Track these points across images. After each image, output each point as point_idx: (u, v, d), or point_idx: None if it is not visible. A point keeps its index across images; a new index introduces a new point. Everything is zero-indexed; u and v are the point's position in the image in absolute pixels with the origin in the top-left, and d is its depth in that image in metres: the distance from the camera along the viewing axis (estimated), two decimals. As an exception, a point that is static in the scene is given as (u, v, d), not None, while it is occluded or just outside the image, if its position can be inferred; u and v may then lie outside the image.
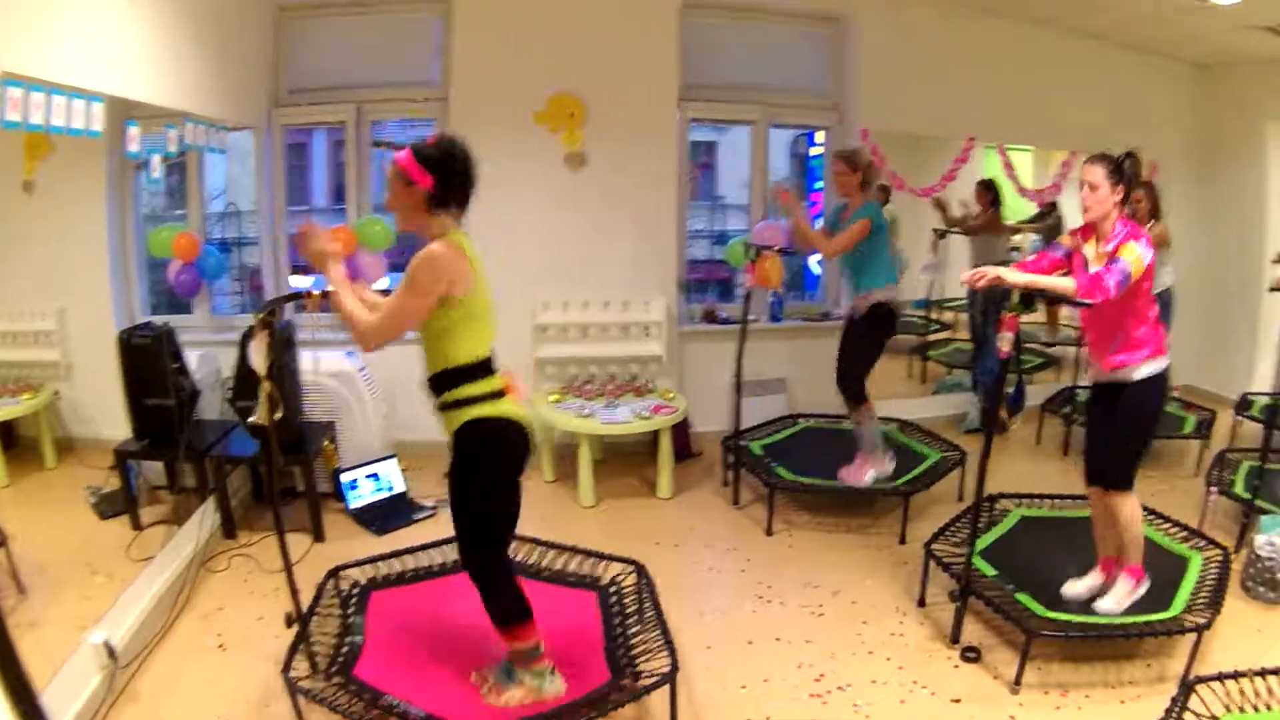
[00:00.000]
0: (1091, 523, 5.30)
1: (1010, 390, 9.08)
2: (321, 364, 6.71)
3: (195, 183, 7.05)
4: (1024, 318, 4.73)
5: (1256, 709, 4.13)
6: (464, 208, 3.79)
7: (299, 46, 7.62)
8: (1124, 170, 4.70)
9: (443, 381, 3.82)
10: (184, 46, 5.80)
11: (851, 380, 6.65)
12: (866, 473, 6.72)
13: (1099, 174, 4.63)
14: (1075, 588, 5.18)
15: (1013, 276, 4.60)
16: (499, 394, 3.86)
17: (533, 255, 7.58)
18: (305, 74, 7.65)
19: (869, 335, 6.62)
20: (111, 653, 4.34)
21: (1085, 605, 5.02)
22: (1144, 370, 4.78)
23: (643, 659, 4.30)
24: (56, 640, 4.23)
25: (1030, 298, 4.68)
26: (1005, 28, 8.89)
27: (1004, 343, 4.73)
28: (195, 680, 4.57)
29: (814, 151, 10.13)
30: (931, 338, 9.98)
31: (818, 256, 8.90)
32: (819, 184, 9.52)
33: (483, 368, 3.84)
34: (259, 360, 3.91)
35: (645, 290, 7.92)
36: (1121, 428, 4.93)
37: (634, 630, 4.59)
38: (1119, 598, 5.02)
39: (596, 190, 7.73)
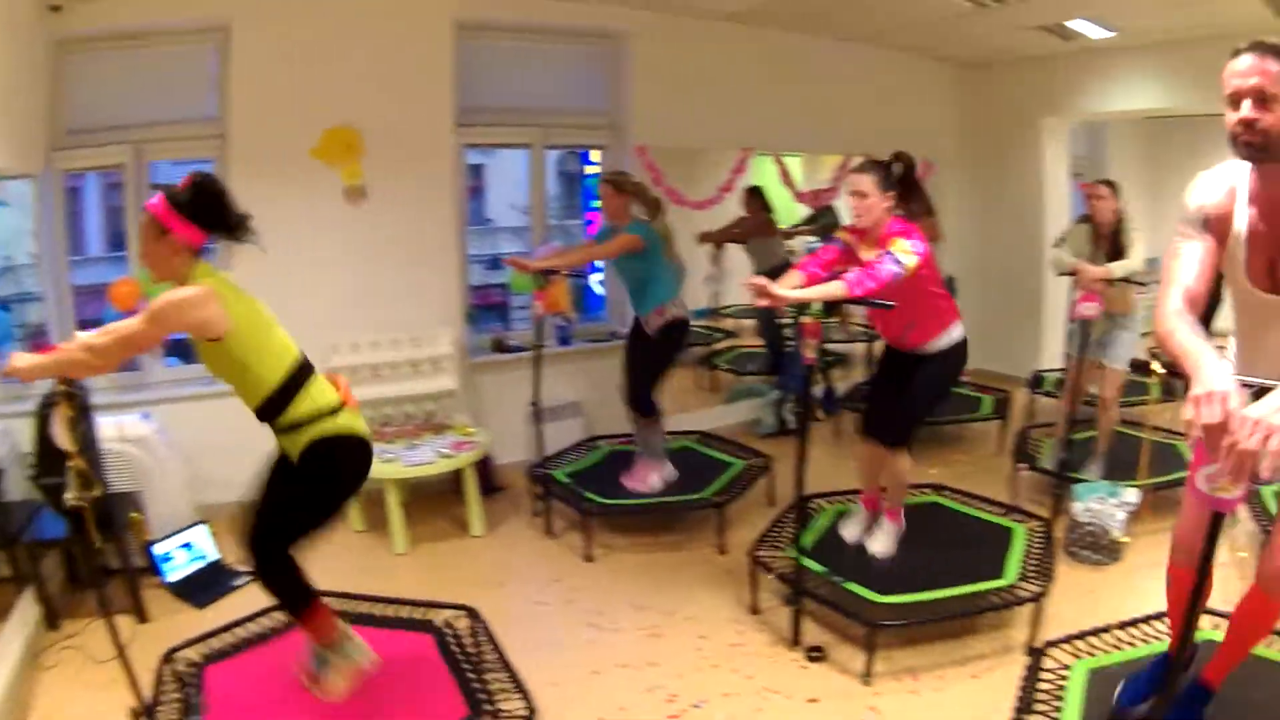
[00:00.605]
0: (859, 464, 5.78)
1: (820, 394, 9.40)
2: (116, 429, 6.35)
3: None
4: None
5: (1108, 653, 4.47)
6: (233, 244, 3.79)
7: (76, 85, 7.12)
8: (892, 175, 4.92)
9: (270, 408, 3.76)
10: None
11: (644, 396, 6.79)
12: (651, 477, 6.89)
13: (867, 182, 4.86)
14: (849, 529, 5.70)
15: (786, 295, 4.71)
16: (337, 408, 3.84)
17: (319, 297, 7.31)
18: (83, 114, 7.16)
19: (660, 350, 6.78)
20: None
21: (908, 576, 5.28)
22: (942, 341, 5.11)
23: (498, 699, 4.28)
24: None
25: (832, 304, 4.86)
26: (779, 38, 9.14)
27: (808, 349, 4.91)
28: None
29: (589, 170, 10.26)
30: (718, 346, 10.22)
31: (599, 277, 9.10)
32: (595, 203, 9.66)
33: (298, 381, 3.79)
34: (64, 437, 3.74)
35: (432, 324, 7.80)
36: (916, 390, 5.26)
37: (481, 673, 4.53)
38: (886, 541, 5.61)
39: (378, 224, 7.57)
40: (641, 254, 6.54)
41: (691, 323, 7.07)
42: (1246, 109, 2.79)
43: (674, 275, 6.94)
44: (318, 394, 3.85)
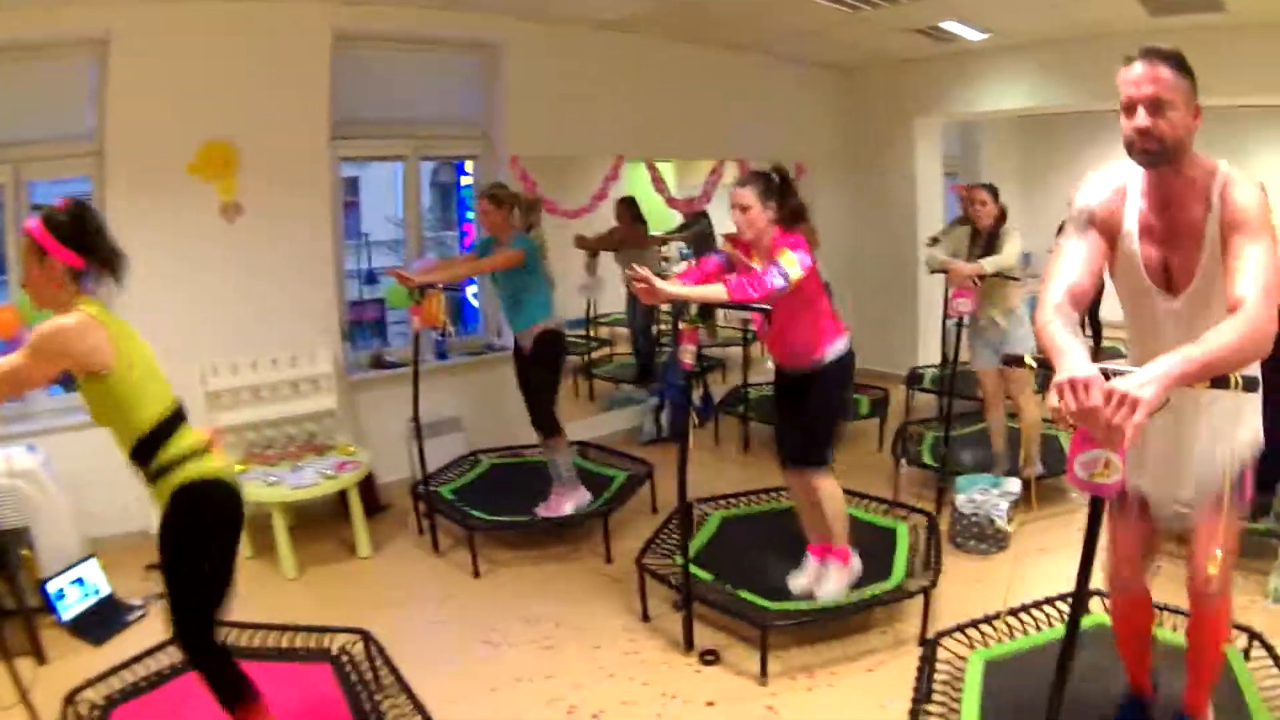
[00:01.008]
0: (795, 511, 5.71)
1: (698, 399, 9.41)
2: (5, 462, 6.19)
3: None
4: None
5: (1001, 642, 4.65)
6: (107, 277, 3.67)
7: None
8: (773, 185, 5.04)
9: (142, 452, 3.68)
10: None
11: (544, 415, 6.82)
12: (565, 505, 6.92)
13: (749, 195, 4.92)
14: (798, 581, 5.56)
15: (668, 290, 4.79)
16: (202, 451, 3.77)
17: (197, 317, 7.21)
18: None
19: (544, 365, 6.84)
20: None
21: (782, 574, 5.47)
22: (829, 354, 5.16)
23: None
24: None
25: (708, 309, 4.97)
26: (654, 46, 9.25)
27: (686, 355, 5.00)
28: None
29: (464, 181, 10.30)
30: (594, 355, 10.36)
31: (473, 289, 9.17)
32: (470, 214, 9.67)
33: (173, 424, 3.73)
34: None
35: (311, 341, 7.74)
36: (813, 409, 5.30)
37: (380, 698, 4.56)
38: (835, 583, 5.45)
39: (254, 241, 7.46)
40: (522, 268, 6.58)
41: (565, 333, 7.16)
42: (1142, 117, 2.90)
43: (549, 286, 7.03)
44: (187, 437, 3.77)
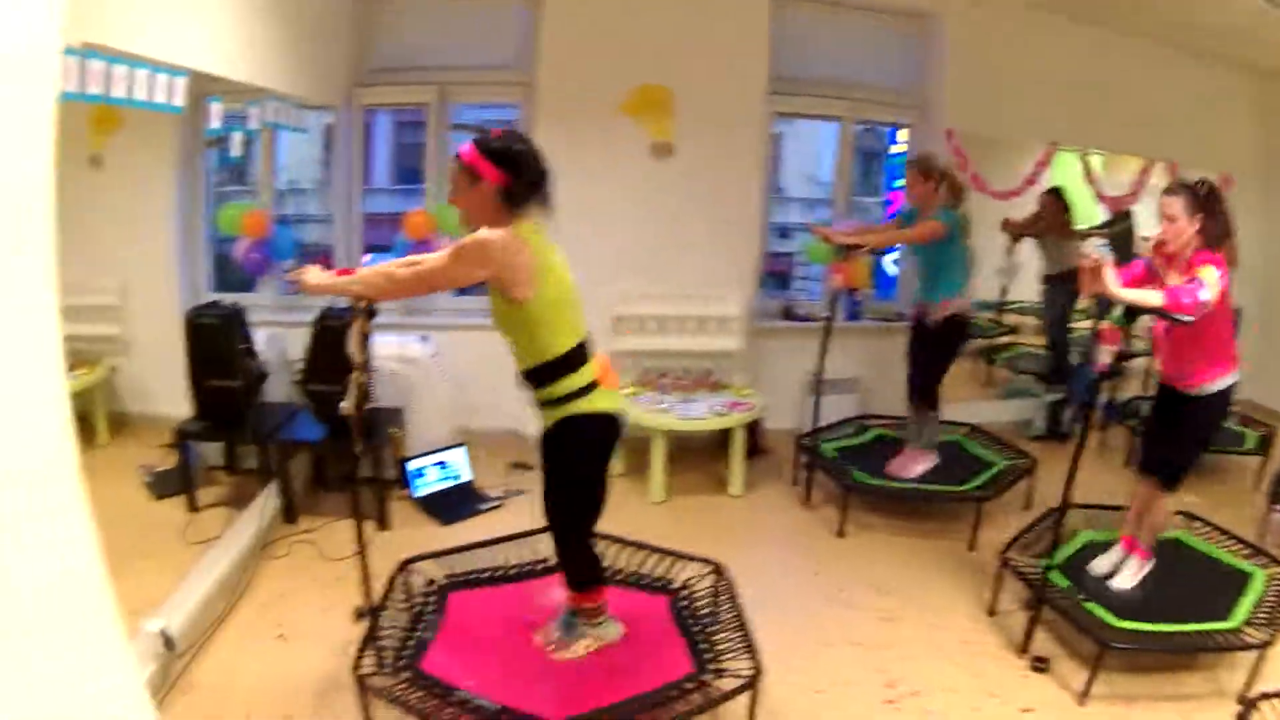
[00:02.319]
0: (1134, 503, 5.49)
1: (1103, 404, 8.96)
2: (394, 348, 6.70)
3: (268, 161, 7.16)
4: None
5: None
6: (536, 206, 3.74)
7: (382, 26, 7.61)
8: (1200, 200, 4.79)
9: (539, 376, 3.80)
10: (268, 22, 5.84)
11: (926, 389, 6.73)
12: (914, 467, 6.82)
13: (1177, 206, 4.66)
14: (1101, 564, 5.48)
15: (1115, 290, 4.48)
16: (593, 386, 3.85)
17: (615, 245, 7.57)
18: (388, 54, 7.66)
19: (944, 345, 6.68)
20: (168, 642, 4.33)
21: (1143, 605, 5.10)
22: (1216, 384, 4.87)
23: (724, 658, 4.28)
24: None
25: (1133, 312, 4.78)
26: (1088, 33, 8.81)
27: (1104, 355, 4.77)
28: (254, 671, 4.55)
29: (895, 149, 10.16)
30: (998, 341, 10.05)
31: (893, 256, 9.05)
32: (898, 182, 9.54)
33: (576, 359, 3.80)
34: (356, 349, 3.86)
35: (723, 284, 7.91)
36: (1186, 433, 5.07)
37: (712, 629, 4.55)
38: (1133, 575, 5.36)
39: (680, 181, 7.71)
40: (943, 241, 6.41)
41: (973, 316, 6.98)
42: None
43: (967, 264, 6.81)
44: (584, 375, 3.86)
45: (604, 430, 3.96)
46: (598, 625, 4.38)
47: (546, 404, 3.89)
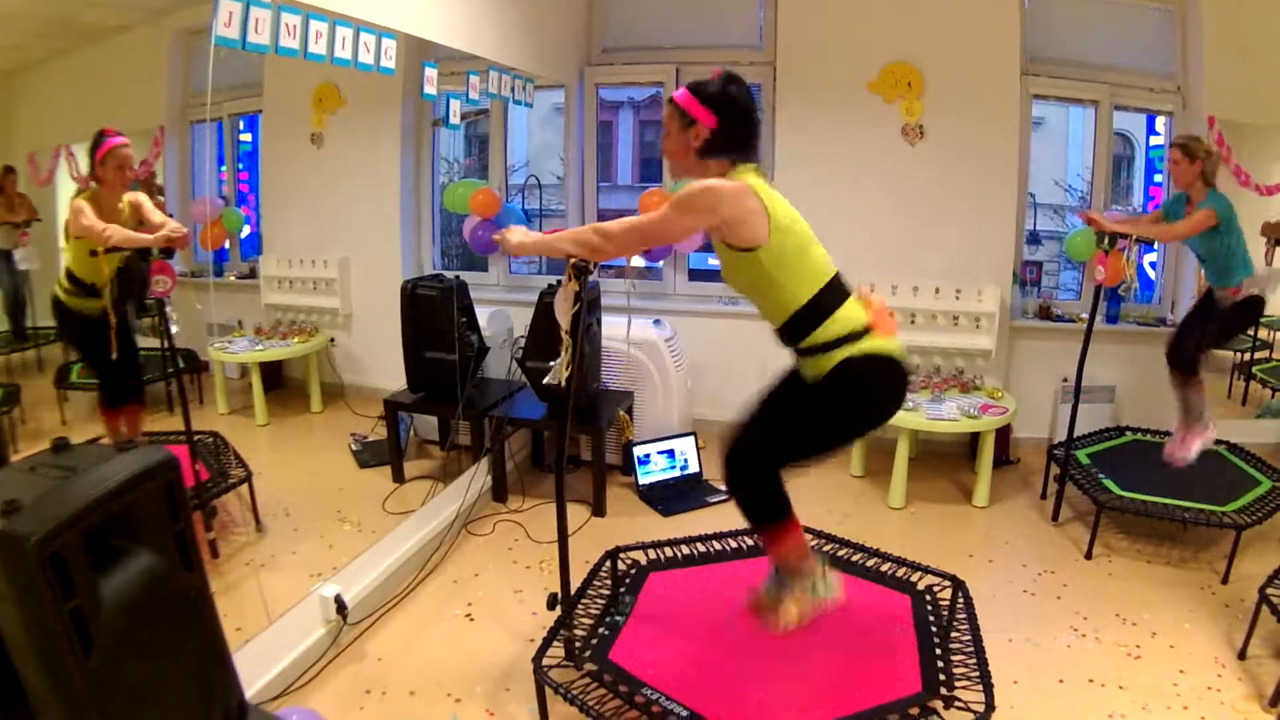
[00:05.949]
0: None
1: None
2: (630, 331, 6.55)
3: (498, 139, 7.22)
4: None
5: None
6: (747, 155, 3.58)
7: (614, 4, 7.50)
8: None
9: (796, 329, 3.54)
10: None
11: (1190, 350, 6.28)
12: (1193, 446, 6.33)
13: None
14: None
15: None
16: (866, 332, 3.52)
17: (861, 231, 7.23)
18: (619, 33, 7.55)
19: (1233, 319, 6.32)
20: (342, 608, 4.40)
21: None
22: None
23: (956, 683, 3.89)
24: (285, 585, 4.35)
25: None
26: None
27: None
28: (431, 648, 4.56)
29: (1154, 141, 9.62)
30: (1254, 355, 9.43)
31: (1151, 258, 8.45)
32: (1157, 177, 9.02)
33: (830, 298, 3.54)
34: (564, 311, 3.63)
35: (977, 279, 7.41)
36: None
37: (948, 647, 4.18)
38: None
39: (931, 166, 7.32)
40: (1217, 229, 5.98)
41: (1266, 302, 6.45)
42: None
43: (1246, 249, 6.27)
44: (849, 317, 3.55)
45: (886, 373, 3.60)
46: (808, 579, 3.83)
47: (809, 353, 3.58)
